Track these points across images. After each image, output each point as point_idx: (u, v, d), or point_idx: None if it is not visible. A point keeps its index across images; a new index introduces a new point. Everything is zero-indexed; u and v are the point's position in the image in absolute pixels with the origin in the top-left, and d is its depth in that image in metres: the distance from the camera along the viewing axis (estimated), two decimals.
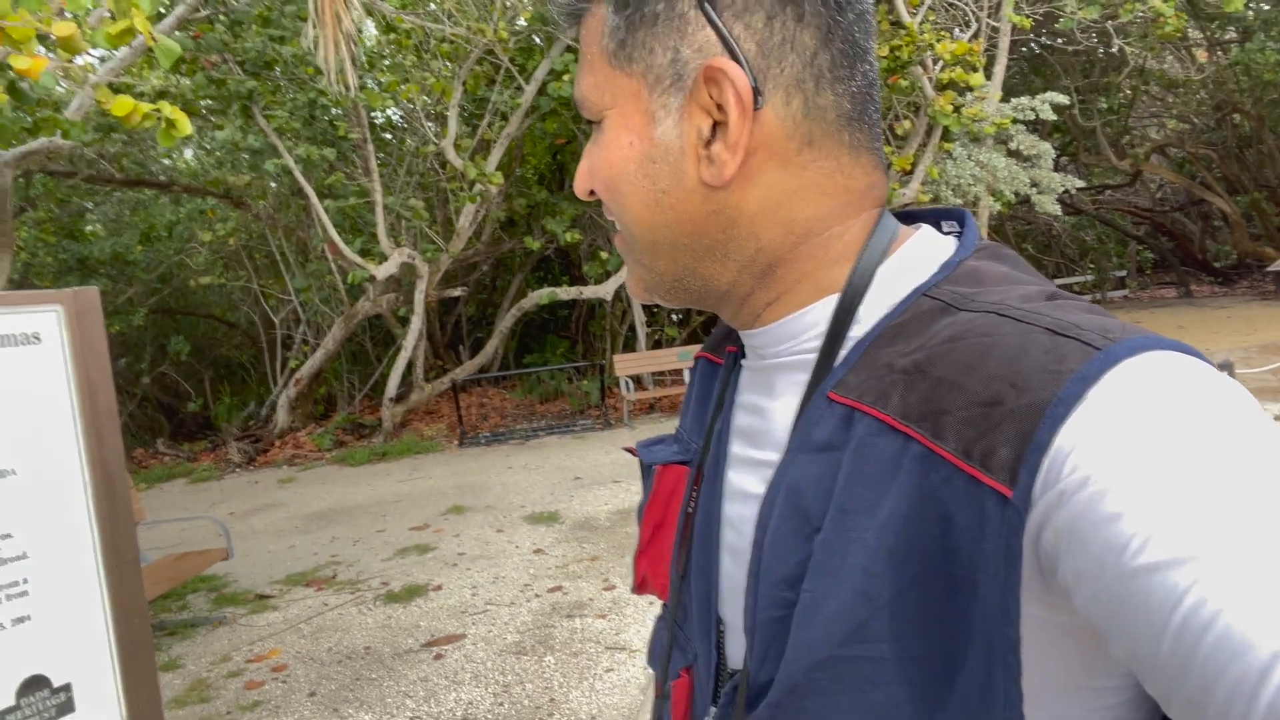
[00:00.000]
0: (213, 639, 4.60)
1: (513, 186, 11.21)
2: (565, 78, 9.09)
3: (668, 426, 9.68)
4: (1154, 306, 17.42)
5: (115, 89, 6.41)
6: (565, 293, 10.84)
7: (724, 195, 0.57)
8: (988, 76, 10.95)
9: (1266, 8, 13.65)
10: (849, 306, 0.57)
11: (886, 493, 0.49)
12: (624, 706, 3.39)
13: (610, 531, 5.76)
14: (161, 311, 12.77)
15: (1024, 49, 15.44)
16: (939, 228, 0.63)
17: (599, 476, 7.47)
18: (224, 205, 11.87)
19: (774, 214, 0.57)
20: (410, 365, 10.95)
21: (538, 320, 13.92)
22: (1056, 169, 11.48)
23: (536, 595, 4.70)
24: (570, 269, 13.90)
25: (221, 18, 8.69)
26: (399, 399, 10.77)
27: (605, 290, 10.62)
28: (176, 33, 7.62)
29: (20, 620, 1.46)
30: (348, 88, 6.30)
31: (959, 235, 0.62)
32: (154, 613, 5.07)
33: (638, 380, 11.23)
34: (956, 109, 10.23)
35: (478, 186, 9.70)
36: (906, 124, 10.52)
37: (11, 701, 1.43)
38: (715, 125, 0.55)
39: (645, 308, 11.96)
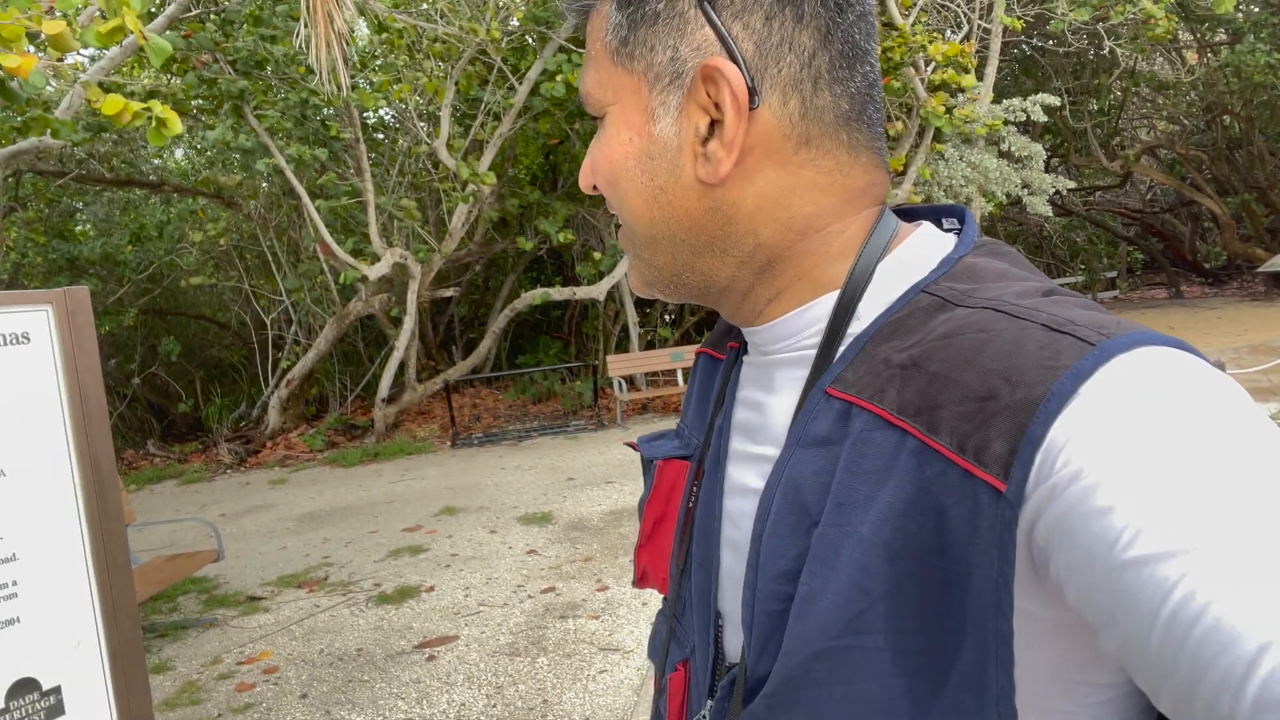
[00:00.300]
0: (203, 641, 4.58)
1: (505, 187, 11.19)
2: (558, 78, 9.08)
3: (661, 426, 9.66)
4: (1144, 307, 17.49)
5: (105, 88, 6.39)
6: (558, 293, 10.82)
7: (721, 192, 0.57)
8: (979, 78, 10.98)
9: (1257, 10, 13.73)
10: (848, 303, 0.57)
11: (882, 486, 0.49)
12: (618, 708, 3.38)
13: (603, 532, 5.76)
14: (152, 312, 12.71)
15: (1015, 50, 15.50)
16: (939, 225, 0.64)
17: (592, 477, 7.46)
18: (215, 205, 11.82)
19: (771, 211, 0.58)
20: (402, 366, 10.92)
21: (530, 321, 13.91)
22: (1047, 170, 11.52)
23: (529, 596, 4.70)
24: (563, 269, 13.89)
25: (213, 17, 8.65)
26: (391, 399, 10.74)
27: (598, 291, 10.62)
28: (168, 32, 7.59)
29: (9, 622, 1.45)
30: (340, 87, 6.27)
31: (959, 232, 0.62)
32: (144, 615, 5.04)
33: (631, 381, 11.22)
34: (948, 110, 10.26)
35: (470, 187, 9.68)
36: (899, 125, 10.55)
37: (1, 705, 1.42)
38: (712, 123, 0.56)
39: (638, 308, 11.96)
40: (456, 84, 9.86)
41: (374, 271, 9.56)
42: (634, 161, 0.59)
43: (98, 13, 3.84)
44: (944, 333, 0.51)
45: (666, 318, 12.75)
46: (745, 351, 0.68)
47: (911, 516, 0.48)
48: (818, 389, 0.56)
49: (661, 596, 0.76)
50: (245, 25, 8.63)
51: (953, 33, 11.29)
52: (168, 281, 12.55)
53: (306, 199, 9.28)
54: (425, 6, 8.84)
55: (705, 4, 0.55)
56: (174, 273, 12.50)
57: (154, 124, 3.32)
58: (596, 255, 10.92)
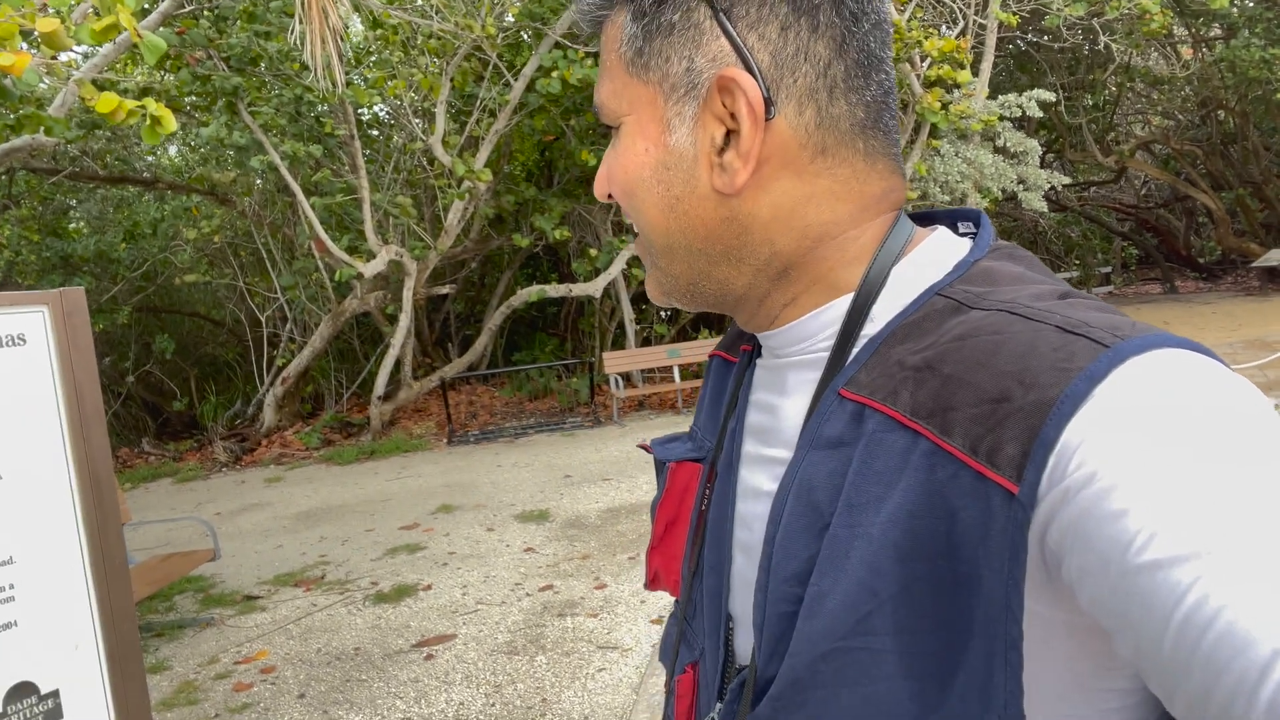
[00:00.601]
0: (200, 640, 4.57)
1: (501, 183, 11.17)
2: (554, 74, 9.06)
3: (657, 423, 9.68)
4: (1139, 302, 17.53)
5: (99, 85, 6.35)
6: (554, 290, 10.81)
7: (737, 202, 0.57)
8: (975, 73, 10.98)
9: (1251, 4, 13.75)
10: (862, 305, 0.57)
11: (894, 488, 0.49)
12: (616, 706, 3.38)
13: (601, 530, 5.75)
14: (146, 310, 12.67)
15: (1011, 46, 15.51)
16: (955, 229, 0.64)
17: (589, 474, 7.45)
18: (209, 202, 11.78)
19: (787, 220, 0.58)
20: (398, 363, 10.90)
21: (527, 318, 13.89)
22: (1042, 166, 11.53)
23: (527, 594, 4.69)
24: (559, 266, 13.88)
25: (206, 13, 8.61)
26: (387, 397, 10.72)
27: (594, 288, 10.60)
28: (161, 28, 7.56)
29: (7, 626, 1.44)
30: (334, 84, 6.25)
31: (975, 236, 0.63)
32: (141, 614, 5.03)
33: (627, 378, 11.22)
34: (944, 106, 10.27)
35: (466, 183, 9.65)
36: None
37: None
38: (728, 134, 0.56)
39: (635, 305, 11.94)
40: (452, 80, 9.84)
41: (369, 269, 9.53)
42: (650, 172, 0.59)
43: (92, 10, 3.81)
44: (958, 335, 0.51)
45: (663, 314, 12.74)
46: (758, 354, 0.68)
47: (923, 518, 0.48)
48: (831, 391, 0.56)
49: (673, 599, 0.76)
50: (239, 21, 8.59)
51: (948, 28, 11.30)
52: (162, 279, 12.50)
53: (301, 196, 9.25)
54: (420, 2, 8.81)
55: (721, 15, 0.55)
56: (168, 270, 12.45)
57: (149, 122, 3.30)
58: (593, 252, 10.91)
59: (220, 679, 4.02)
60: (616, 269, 10.46)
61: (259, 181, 11.10)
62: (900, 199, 0.61)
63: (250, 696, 3.80)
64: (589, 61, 9.05)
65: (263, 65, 8.95)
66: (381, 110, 11.85)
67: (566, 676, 3.66)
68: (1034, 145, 10.79)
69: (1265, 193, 18.10)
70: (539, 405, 11.61)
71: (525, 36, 10.23)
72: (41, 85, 6.84)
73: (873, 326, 0.57)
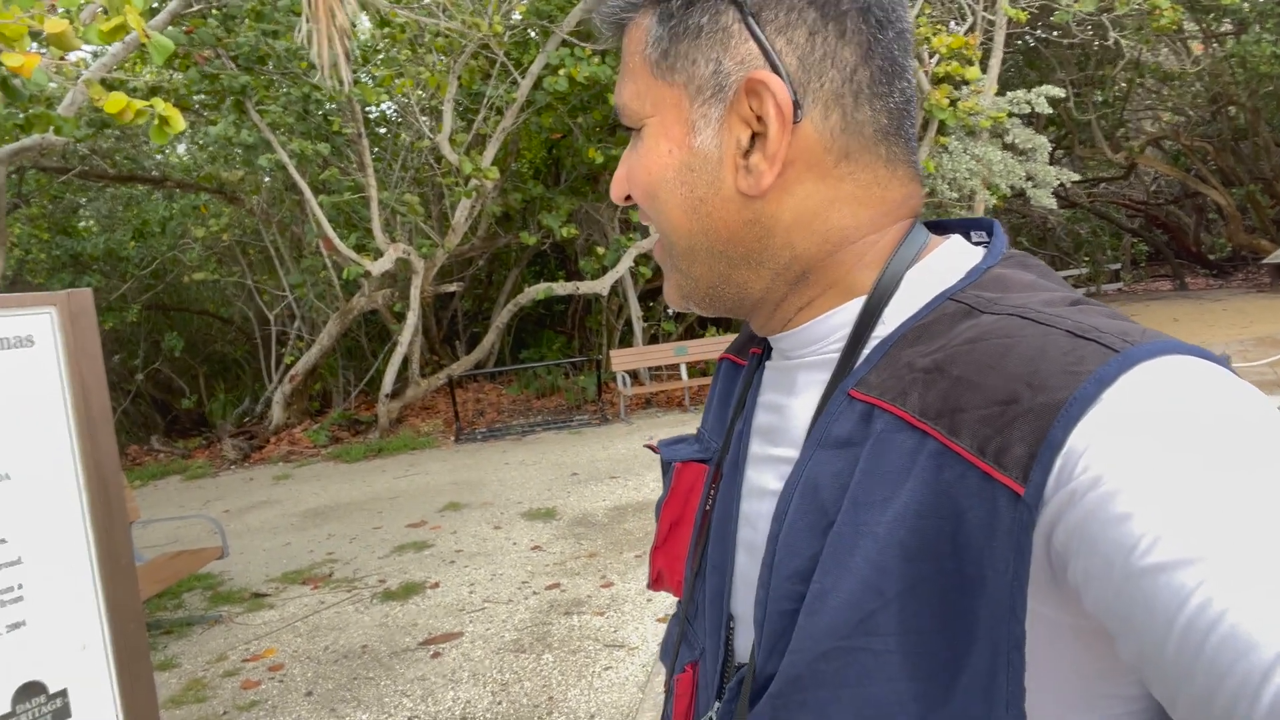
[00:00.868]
0: (209, 638, 4.59)
1: (508, 181, 11.18)
2: (561, 72, 9.06)
3: (664, 421, 9.68)
4: (1149, 299, 17.45)
5: (108, 85, 6.37)
6: (561, 288, 10.82)
7: (760, 205, 0.58)
8: (983, 70, 10.94)
9: (1262, 0, 13.65)
10: (875, 308, 0.58)
11: (901, 488, 0.49)
12: (623, 704, 3.38)
13: (608, 528, 5.76)
14: (155, 308, 12.73)
15: (1020, 42, 15.44)
16: (968, 237, 0.65)
17: (596, 472, 7.46)
18: (217, 201, 11.82)
19: (809, 224, 0.58)
20: (406, 361, 10.93)
21: (534, 315, 13.90)
22: (1052, 162, 11.48)
23: (534, 592, 4.70)
24: (566, 264, 13.88)
25: (214, 12, 8.64)
26: (395, 395, 10.75)
27: (601, 285, 10.60)
28: (170, 27, 7.58)
29: (15, 626, 1.45)
30: (341, 83, 6.26)
31: (988, 245, 0.63)
32: (149, 612, 5.05)
33: (634, 375, 11.22)
34: (952, 102, 10.22)
35: (473, 181, 9.66)
36: None
37: (7, 708, 1.42)
38: (754, 136, 0.57)
39: (642, 302, 11.94)
40: (459, 78, 9.84)
41: (377, 267, 9.55)
42: (674, 173, 0.59)
43: (100, 10, 3.83)
44: (969, 338, 0.51)
45: (670, 312, 12.74)
46: (768, 357, 0.69)
47: (929, 518, 0.48)
48: (840, 391, 0.56)
49: (676, 599, 0.77)
50: (247, 20, 8.61)
51: (956, 24, 11.24)
52: (171, 277, 12.56)
53: (309, 194, 9.28)
54: (427, 1, 8.81)
55: (750, 19, 0.55)
56: (177, 268, 12.51)
57: (157, 122, 3.31)
58: (600, 250, 10.91)
59: (228, 676, 4.04)
60: (624, 267, 10.45)
61: (267, 180, 11.14)
62: (917, 206, 0.62)
63: (258, 694, 3.81)
64: (596, 59, 9.04)
65: (270, 64, 8.98)
66: (389, 108, 11.87)
67: (573, 675, 3.67)
68: (1043, 142, 10.74)
69: (1276, 189, 17.99)
70: (546, 403, 11.62)
71: (533, 34, 10.23)
72: (51, 85, 6.87)
73: (884, 329, 0.57)
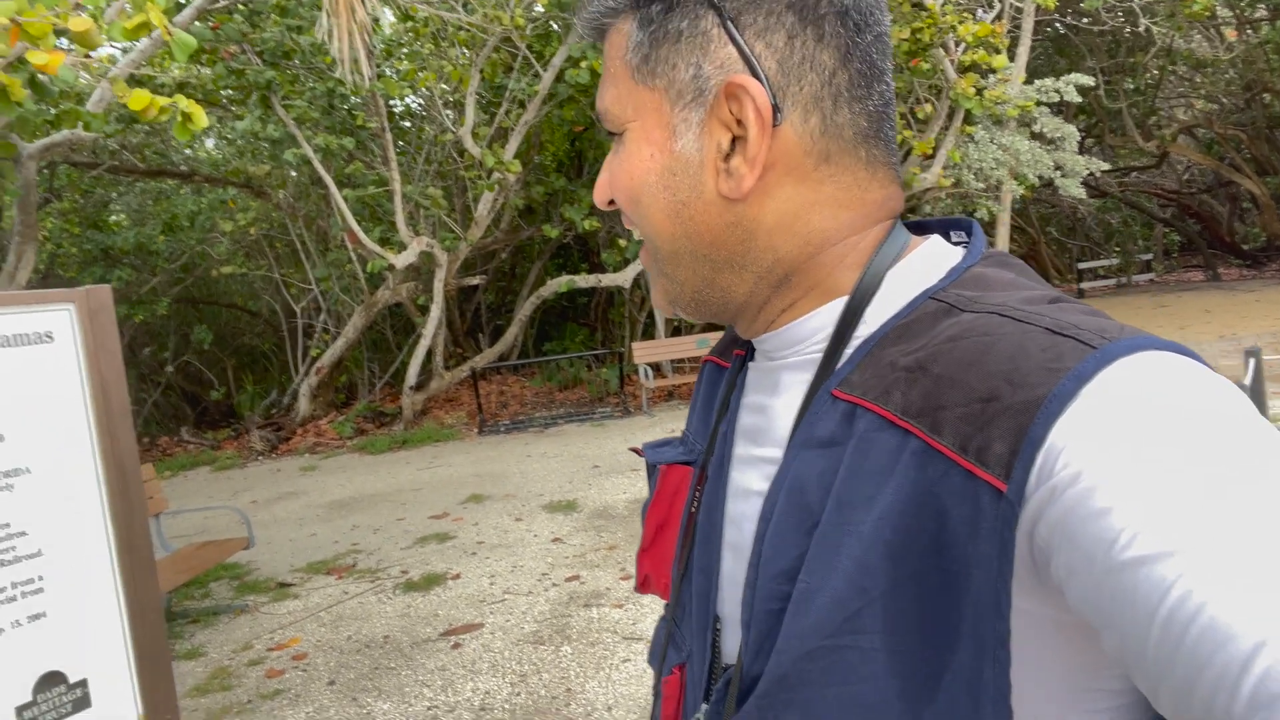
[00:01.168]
0: (234, 627, 4.66)
1: (531, 174, 11.20)
2: (583, 64, 9.05)
3: (686, 413, 9.67)
4: (1180, 290, 17.17)
5: (137, 81, 6.45)
6: (584, 280, 10.83)
7: (742, 208, 0.58)
8: (1011, 58, 10.79)
9: None
10: (856, 308, 0.58)
11: (884, 486, 0.50)
12: (640, 697, 3.39)
13: (628, 520, 5.77)
14: (185, 301, 12.90)
15: (1048, 29, 15.22)
16: (948, 238, 0.65)
17: (617, 465, 7.48)
18: (245, 195, 11.94)
19: (790, 227, 0.59)
20: (430, 353, 11.00)
21: (557, 308, 13.93)
22: (1081, 151, 11.31)
23: (554, 584, 4.72)
24: (589, 256, 13.90)
25: (240, 8, 8.71)
26: (419, 387, 10.83)
27: (624, 278, 10.60)
28: (196, 23, 7.66)
29: (36, 617, 1.48)
30: (362, 78, 6.29)
31: (967, 245, 0.63)
32: (178, 601, 5.14)
33: (657, 368, 11.22)
34: (979, 91, 10.10)
35: (496, 174, 9.69)
36: (928, 107, 10.40)
37: (29, 697, 1.45)
38: (734, 140, 0.57)
39: None
40: (481, 71, 9.87)
41: (401, 260, 9.61)
42: (656, 177, 0.60)
43: (125, 6, 3.87)
44: (949, 336, 0.52)
45: None
46: (751, 358, 0.69)
47: (913, 516, 0.48)
48: (823, 391, 0.57)
49: (664, 602, 0.77)
50: (272, 16, 8.68)
51: (984, 12, 11.10)
52: (199, 271, 12.72)
53: (334, 188, 9.35)
54: None
55: (729, 23, 0.56)
56: (205, 262, 12.67)
57: (180, 118, 3.35)
58: (622, 243, 10.90)
59: (253, 665, 4.10)
60: None
61: (293, 174, 11.23)
62: (897, 207, 0.62)
63: (282, 683, 3.87)
64: None
65: (296, 59, 9.05)
66: (413, 102, 11.92)
67: (591, 667, 3.68)
68: (1071, 131, 10.59)
69: None
70: (569, 395, 11.65)
71: (554, 27, 10.23)
72: (82, 80, 6.97)
73: (866, 329, 0.58)
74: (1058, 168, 10.52)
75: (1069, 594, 0.44)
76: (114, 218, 12.90)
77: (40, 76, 4.13)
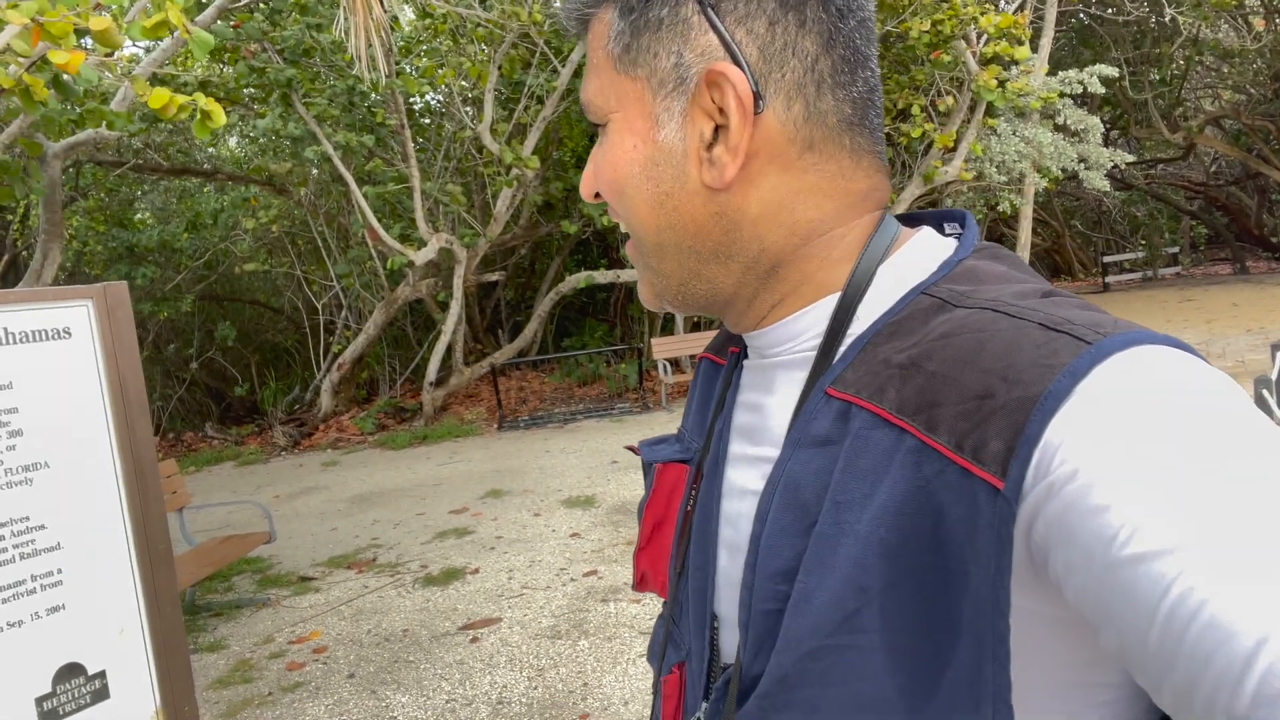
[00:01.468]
0: (256, 620, 4.70)
1: (549, 170, 11.22)
2: None
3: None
4: (1208, 284, 16.93)
5: (160, 80, 6.51)
6: (603, 276, 10.84)
7: (726, 198, 0.58)
8: (1034, 49, 10.68)
9: None
10: (848, 305, 0.58)
11: (880, 485, 0.49)
12: None
13: None
14: (208, 298, 13.03)
15: (1072, 20, 15.03)
16: (941, 230, 0.64)
17: (635, 461, 7.47)
18: (267, 192, 12.04)
19: (776, 216, 0.58)
20: (450, 349, 11.05)
21: (576, 303, 13.96)
22: (1106, 143, 11.18)
23: (572, 579, 4.73)
24: (608, 252, 13.90)
25: (261, 6, 8.78)
26: (439, 383, 10.88)
27: None
28: (218, 22, 7.72)
29: (55, 609, 1.50)
30: (379, 75, 6.32)
31: (960, 237, 0.62)
32: (201, 594, 5.20)
33: (675, 363, 11.21)
34: (1001, 84, 9.99)
35: (514, 170, 9.71)
36: (949, 100, 10.31)
37: (48, 688, 1.47)
38: (717, 129, 0.56)
39: None
40: (499, 68, 9.88)
41: (420, 256, 9.66)
42: (639, 168, 0.59)
43: (147, 6, 3.91)
44: (943, 333, 0.51)
45: None
46: (746, 356, 0.68)
47: (909, 515, 0.48)
48: (817, 389, 0.56)
49: (662, 600, 0.77)
50: (292, 15, 8.74)
51: (1006, 3, 10.98)
52: (223, 268, 12.84)
53: (354, 185, 9.41)
54: None
55: (709, 10, 0.55)
56: (229, 259, 12.78)
57: (199, 116, 3.37)
58: None
59: (274, 658, 4.14)
60: None
61: (314, 171, 11.31)
62: (884, 198, 0.61)
63: (302, 675, 3.90)
64: None
65: (316, 57, 9.11)
66: (433, 99, 11.97)
67: (608, 661, 3.69)
68: (1095, 123, 10.46)
69: None
70: (588, 391, 11.67)
71: None
72: (106, 80, 7.05)
73: (859, 325, 0.57)
74: (1081, 160, 10.40)
75: (1068, 591, 0.43)
76: (139, 216, 13.04)
77: (64, 76, 4.19)
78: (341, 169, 9.28)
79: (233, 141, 13.58)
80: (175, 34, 3.93)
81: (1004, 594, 0.44)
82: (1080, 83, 10.10)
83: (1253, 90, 17.30)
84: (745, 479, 0.63)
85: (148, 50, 9.12)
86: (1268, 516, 0.38)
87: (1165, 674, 0.39)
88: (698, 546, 0.67)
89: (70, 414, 1.55)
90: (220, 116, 3.41)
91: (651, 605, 4.24)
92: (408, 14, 10.15)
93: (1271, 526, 0.37)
